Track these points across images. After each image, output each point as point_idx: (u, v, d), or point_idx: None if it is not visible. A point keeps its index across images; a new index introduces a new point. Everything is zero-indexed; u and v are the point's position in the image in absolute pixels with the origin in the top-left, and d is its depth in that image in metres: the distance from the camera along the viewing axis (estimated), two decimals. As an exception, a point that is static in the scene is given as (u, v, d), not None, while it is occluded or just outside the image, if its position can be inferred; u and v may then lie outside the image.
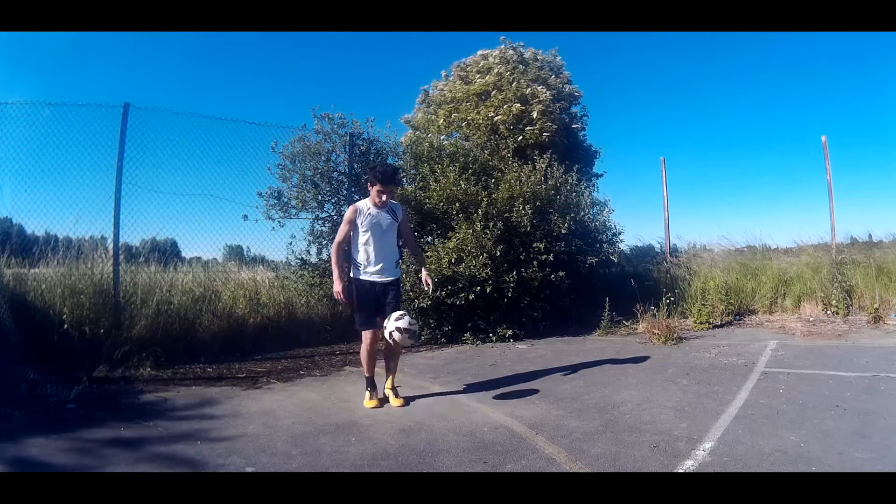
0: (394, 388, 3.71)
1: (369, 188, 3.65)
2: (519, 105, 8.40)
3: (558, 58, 9.54)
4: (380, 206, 3.60)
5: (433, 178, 6.83)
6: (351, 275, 3.66)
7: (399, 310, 3.56)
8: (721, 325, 7.06)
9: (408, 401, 3.66)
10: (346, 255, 3.73)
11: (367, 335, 3.63)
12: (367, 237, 3.57)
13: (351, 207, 3.70)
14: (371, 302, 3.60)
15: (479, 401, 3.71)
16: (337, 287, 3.56)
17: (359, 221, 3.59)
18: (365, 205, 3.63)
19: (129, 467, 2.48)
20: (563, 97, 9.24)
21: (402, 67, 28.17)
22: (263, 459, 2.62)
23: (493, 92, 8.66)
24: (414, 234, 4.71)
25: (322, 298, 6.34)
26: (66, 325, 4.44)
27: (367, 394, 3.66)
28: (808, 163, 21.65)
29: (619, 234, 7.94)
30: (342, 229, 3.64)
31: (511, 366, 4.95)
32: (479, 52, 9.41)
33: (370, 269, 3.60)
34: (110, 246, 5.01)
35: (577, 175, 7.81)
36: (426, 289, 3.95)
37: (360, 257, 3.61)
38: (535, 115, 8.43)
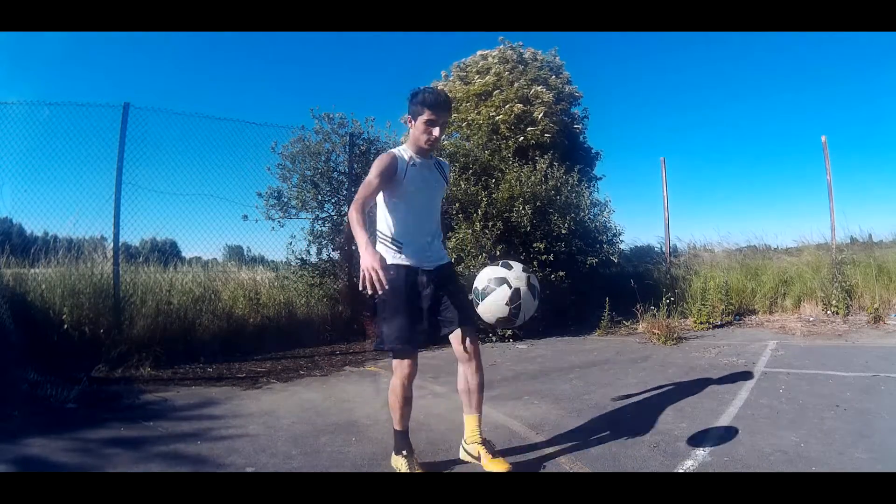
0: (484, 440, 2.41)
1: (410, 123, 2.39)
2: (521, 105, 8.40)
3: (558, 58, 9.56)
4: (428, 148, 2.40)
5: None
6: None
7: (467, 302, 2.40)
8: (721, 325, 7.06)
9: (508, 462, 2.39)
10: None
11: (402, 364, 2.33)
12: (412, 201, 2.36)
13: (385, 155, 2.37)
14: (410, 302, 2.31)
15: (479, 401, 3.70)
16: (369, 260, 1.94)
17: (398, 178, 2.32)
18: (405, 152, 2.40)
19: (130, 467, 2.48)
20: (564, 98, 9.25)
21: (402, 67, 28.17)
22: (263, 459, 2.62)
23: (495, 92, 8.66)
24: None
25: (322, 298, 6.35)
26: (66, 325, 4.45)
27: (402, 460, 2.40)
28: (808, 163, 21.60)
29: (620, 234, 7.95)
30: (370, 183, 2.25)
31: (511, 366, 4.95)
32: (479, 53, 9.42)
33: (412, 250, 2.35)
34: (110, 246, 5.02)
35: (577, 176, 7.82)
36: None
37: (398, 232, 2.36)
38: (536, 115, 8.43)
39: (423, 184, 2.40)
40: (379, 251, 2.22)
